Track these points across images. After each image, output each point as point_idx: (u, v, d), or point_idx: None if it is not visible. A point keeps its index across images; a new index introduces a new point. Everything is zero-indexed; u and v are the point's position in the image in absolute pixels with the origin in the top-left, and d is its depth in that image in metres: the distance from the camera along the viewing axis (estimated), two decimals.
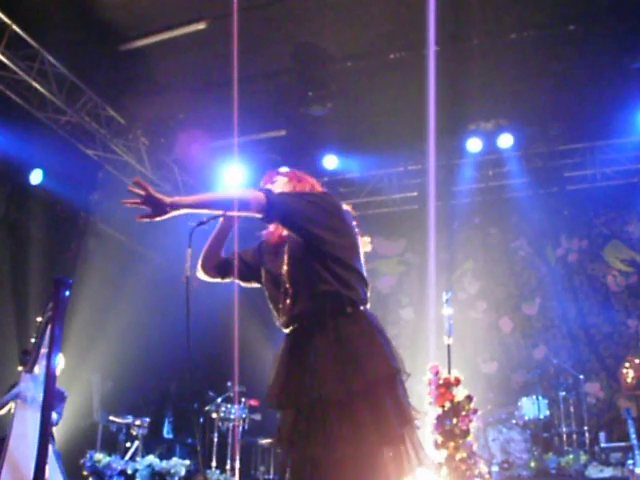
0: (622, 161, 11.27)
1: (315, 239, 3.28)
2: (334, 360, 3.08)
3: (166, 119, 10.38)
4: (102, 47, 9.04)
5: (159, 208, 3.09)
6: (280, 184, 3.57)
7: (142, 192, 3.05)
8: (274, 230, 3.57)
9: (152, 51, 9.07)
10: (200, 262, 3.64)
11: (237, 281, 3.67)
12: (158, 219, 3.12)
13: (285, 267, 3.37)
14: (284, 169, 3.75)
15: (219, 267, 3.65)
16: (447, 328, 7.53)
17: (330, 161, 11.62)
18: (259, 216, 3.23)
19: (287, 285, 3.33)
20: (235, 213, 3.31)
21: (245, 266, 3.65)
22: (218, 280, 3.68)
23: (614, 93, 9.70)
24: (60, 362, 8.28)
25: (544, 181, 11.27)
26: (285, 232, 3.46)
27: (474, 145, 10.98)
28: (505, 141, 10.87)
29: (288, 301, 3.29)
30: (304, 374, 3.11)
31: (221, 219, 3.59)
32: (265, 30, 8.74)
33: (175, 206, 3.12)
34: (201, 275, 3.64)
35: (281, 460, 3.31)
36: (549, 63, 9.39)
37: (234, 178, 10.98)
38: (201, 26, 8.66)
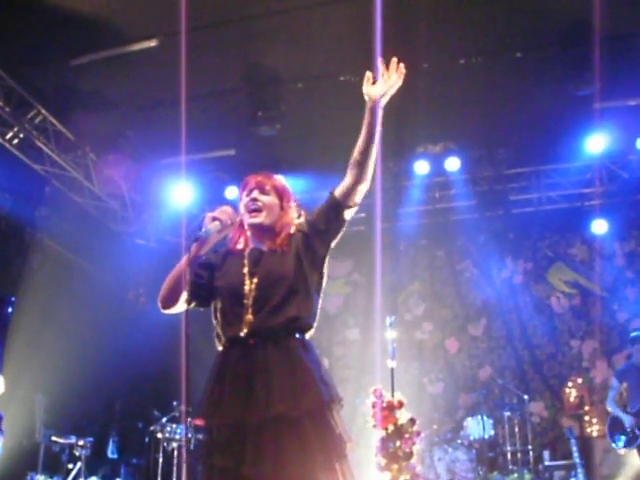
0: (566, 185, 11.51)
1: (324, 255, 3.48)
2: (289, 380, 3.11)
3: (115, 136, 10.28)
4: (52, 61, 8.93)
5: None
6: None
7: None
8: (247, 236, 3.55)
9: (102, 67, 8.99)
10: (173, 291, 3.43)
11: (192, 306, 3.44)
12: None
13: (254, 281, 3.33)
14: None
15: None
16: (390, 352, 7.60)
17: None
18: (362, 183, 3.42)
19: (248, 301, 3.28)
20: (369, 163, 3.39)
21: (206, 285, 3.50)
22: (183, 308, 3.42)
23: (559, 119, 9.91)
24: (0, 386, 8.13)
25: (490, 204, 11.41)
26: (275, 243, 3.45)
27: (421, 167, 11.06)
28: (452, 164, 10.96)
29: (249, 315, 3.26)
30: (256, 391, 3.11)
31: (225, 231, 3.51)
32: (216, 49, 8.73)
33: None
34: (170, 306, 3.46)
35: (206, 477, 3.15)
36: (496, 89, 9.57)
37: (182, 196, 10.94)
38: (152, 43, 8.61)
